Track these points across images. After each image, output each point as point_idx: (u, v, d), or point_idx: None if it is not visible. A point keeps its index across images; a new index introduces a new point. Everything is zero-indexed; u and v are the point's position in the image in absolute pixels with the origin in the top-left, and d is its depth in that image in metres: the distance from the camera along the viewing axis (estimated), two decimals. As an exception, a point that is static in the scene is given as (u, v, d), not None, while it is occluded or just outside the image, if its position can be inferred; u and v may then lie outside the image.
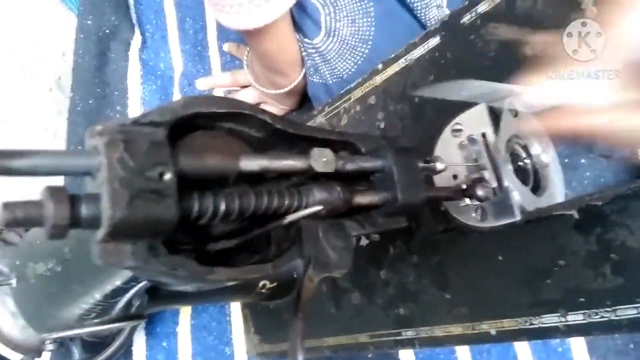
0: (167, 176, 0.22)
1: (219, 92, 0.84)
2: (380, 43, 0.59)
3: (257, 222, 0.28)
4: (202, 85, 0.83)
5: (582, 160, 0.69)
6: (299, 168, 0.28)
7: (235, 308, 0.76)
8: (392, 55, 0.48)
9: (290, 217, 0.26)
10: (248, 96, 0.80)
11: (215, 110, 0.26)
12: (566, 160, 0.70)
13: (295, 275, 0.32)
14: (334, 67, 0.63)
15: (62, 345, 0.55)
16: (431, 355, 0.69)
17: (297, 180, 0.30)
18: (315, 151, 0.28)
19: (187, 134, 0.27)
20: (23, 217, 0.19)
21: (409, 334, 0.48)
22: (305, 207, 0.28)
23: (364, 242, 0.52)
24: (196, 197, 0.24)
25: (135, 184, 0.21)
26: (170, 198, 0.22)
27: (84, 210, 0.21)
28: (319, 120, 0.57)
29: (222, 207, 0.24)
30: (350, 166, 0.30)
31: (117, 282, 0.37)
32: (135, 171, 0.21)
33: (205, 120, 0.27)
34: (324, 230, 0.30)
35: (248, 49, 0.76)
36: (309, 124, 0.58)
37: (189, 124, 0.27)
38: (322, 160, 0.28)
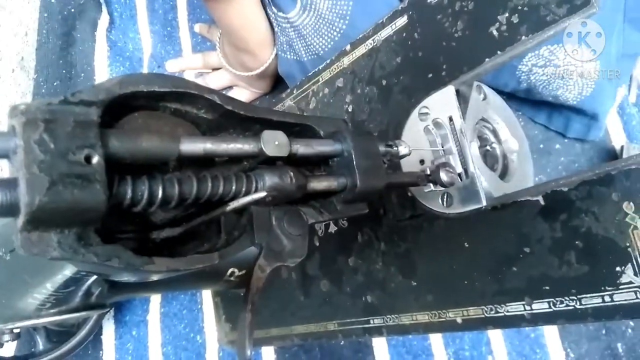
0: (95, 159, 0.20)
1: (189, 74, 0.81)
2: (358, 19, 0.57)
3: (206, 209, 0.27)
4: (172, 67, 0.80)
5: (557, 146, 0.69)
6: (248, 151, 0.26)
7: (207, 296, 0.75)
8: (360, 36, 0.46)
9: (233, 204, 0.25)
10: (219, 79, 0.78)
11: (156, 89, 0.24)
12: (541, 146, 0.69)
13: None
14: (309, 42, 0.61)
15: (19, 336, 0.53)
16: (404, 341, 0.68)
17: (249, 165, 0.29)
18: (266, 134, 0.27)
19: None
20: None
21: (376, 321, 0.47)
22: (255, 193, 0.26)
23: (332, 229, 0.51)
24: (129, 182, 0.22)
25: (57, 168, 0.19)
26: (98, 183, 0.20)
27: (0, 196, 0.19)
28: (288, 103, 0.55)
29: (159, 193, 0.22)
30: (305, 150, 0.29)
31: (67, 273, 0.35)
32: (57, 154, 0.19)
33: (148, 100, 0.25)
34: (277, 217, 0.29)
35: (220, 30, 0.73)
36: (277, 107, 0.57)
37: (131, 105, 0.25)
38: (273, 143, 0.27)
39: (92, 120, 0.21)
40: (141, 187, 0.22)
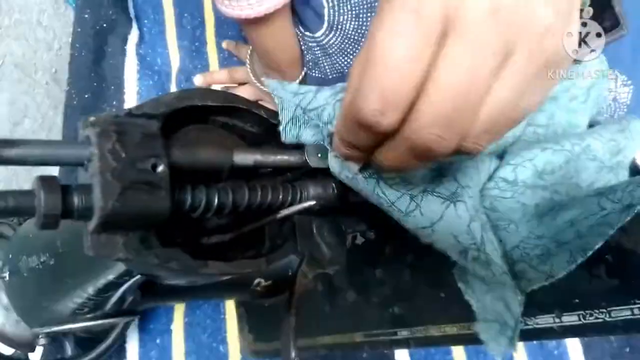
0: (160, 168, 0.22)
1: (216, 89, 0.83)
2: None
3: (252, 217, 0.28)
4: (199, 81, 0.83)
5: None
6: (293, 163, 0.28)
7: (230, 306, 0.76)
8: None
9: (284, 212, 0.26)
10: (246, 94, 0.80)
11: (210, 103, 0.26)
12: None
13: (290, 273, 0.31)
14: (334, 61, 0.62)
15: (55, 340, 0.55)
16: (426, 356, 0.69)
17: (292, 176, 0.30)
18: (310, 146, 0.28)
19: (180, 127, 0.27)
20: (14, 206, 0.19)
21: (404, 333, 0.47)
22: (300, 203, 0.27)
23: (359, 240, 0.52)
24: (189, 190, 0.23)
25: (128, 175, 0.21)
26: (163, 190, 0.22)
27: (76, 200, 0.20)
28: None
29: (215, 200, 0.24)
30: (346, 162, 0.30)
31: (110, 277, 0.37)
32: (128, 162, 0.21)
33: (199, 113, 0.27)
34: (318, 226, 0.30)
35: (250, 47, 0.75)
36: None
37: (183, 117, 0.27)
38: (316, 155, 0.28)
39: (155, 131, 0.23)
40: (199, 194, 0.24)
